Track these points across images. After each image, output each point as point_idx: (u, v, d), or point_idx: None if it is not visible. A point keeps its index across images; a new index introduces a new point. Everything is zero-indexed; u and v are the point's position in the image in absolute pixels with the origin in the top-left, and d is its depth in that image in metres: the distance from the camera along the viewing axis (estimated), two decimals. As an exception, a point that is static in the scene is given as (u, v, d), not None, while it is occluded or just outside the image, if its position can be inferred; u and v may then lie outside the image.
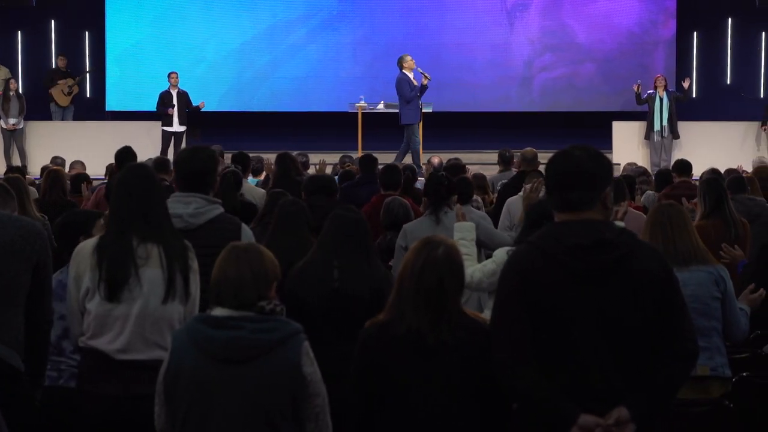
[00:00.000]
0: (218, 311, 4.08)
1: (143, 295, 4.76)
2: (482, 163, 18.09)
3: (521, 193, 9.69)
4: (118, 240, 4.80)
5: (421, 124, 18.19)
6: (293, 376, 4.02)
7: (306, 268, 5.79)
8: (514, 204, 9.37)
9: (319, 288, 5.66)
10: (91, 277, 4.78)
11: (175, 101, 19.81)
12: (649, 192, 11.55)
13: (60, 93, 20.94)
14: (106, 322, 4.77)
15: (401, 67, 18.06)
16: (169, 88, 19.94)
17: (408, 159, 17.60)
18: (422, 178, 12.95)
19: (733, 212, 8.17)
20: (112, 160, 11.80)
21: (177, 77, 19.96)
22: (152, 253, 4.80)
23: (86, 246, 4.89)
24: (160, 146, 19.51)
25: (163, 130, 19.79)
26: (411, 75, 18.00)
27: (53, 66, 21.61)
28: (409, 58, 18.07)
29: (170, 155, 17.85)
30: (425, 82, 17.88)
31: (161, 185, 5.04)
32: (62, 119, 21.08)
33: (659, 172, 13.20)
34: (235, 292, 4.05)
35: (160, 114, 19.86)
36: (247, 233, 5.72)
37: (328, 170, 14.28)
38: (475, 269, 6.70)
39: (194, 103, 20.06)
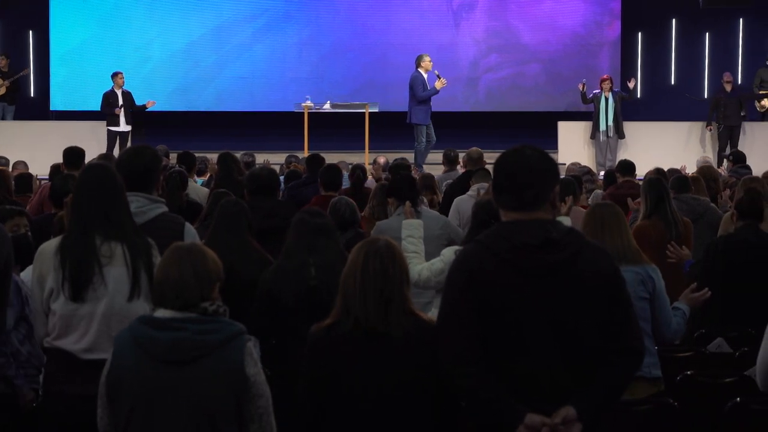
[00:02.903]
0: (161, 312, 4.04)
1: (108, 294, 4.76)
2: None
3: (470, 193, 9.74)
4: (81, 239, 4.79)
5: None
6: (237, 377, 3.98)
7: (281, 268, 5.80)
8: (464, 203, 9.40)
9: (296, 286, 5.68)
10: (54, 277, 4.77)
11: (121, 101, 19.62)
12: (597, 191, 11.60)
13: None
14: (71, 322, 4.77)
15: (417, 66, 17.99)
16: (113, 88, 19.72)
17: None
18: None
19: (674, 212, 8.22)
20: (57, 160, 11.66)
21: (123, 77, 19.77)
22: (116, 251, 4.79)
23: (49, 246, 4.87)
24: (106, 146, 19.27)
25: (108, 130, 19.53)
26: (426, 76, 17.92)
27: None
28: (427, 58, 17.97)
29: (116, 155, 17.61)
30: (439, 85, 17.74)
31: (122, 184, 5.01)
32: (2, 119, 20.74)
33: (607, 173, 13.26)
34: (178, 293, 4.02)
35: (106, 114, 19.64)
36: (190, 232, 5.67)
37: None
38: (422, 267, 6.69)
39: (138, 103, 19.83)
